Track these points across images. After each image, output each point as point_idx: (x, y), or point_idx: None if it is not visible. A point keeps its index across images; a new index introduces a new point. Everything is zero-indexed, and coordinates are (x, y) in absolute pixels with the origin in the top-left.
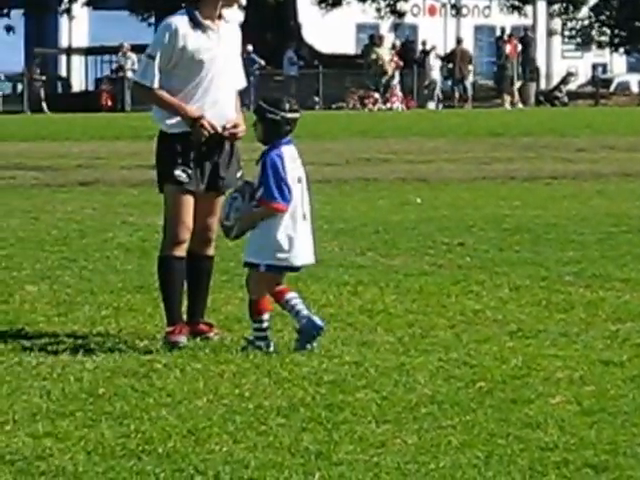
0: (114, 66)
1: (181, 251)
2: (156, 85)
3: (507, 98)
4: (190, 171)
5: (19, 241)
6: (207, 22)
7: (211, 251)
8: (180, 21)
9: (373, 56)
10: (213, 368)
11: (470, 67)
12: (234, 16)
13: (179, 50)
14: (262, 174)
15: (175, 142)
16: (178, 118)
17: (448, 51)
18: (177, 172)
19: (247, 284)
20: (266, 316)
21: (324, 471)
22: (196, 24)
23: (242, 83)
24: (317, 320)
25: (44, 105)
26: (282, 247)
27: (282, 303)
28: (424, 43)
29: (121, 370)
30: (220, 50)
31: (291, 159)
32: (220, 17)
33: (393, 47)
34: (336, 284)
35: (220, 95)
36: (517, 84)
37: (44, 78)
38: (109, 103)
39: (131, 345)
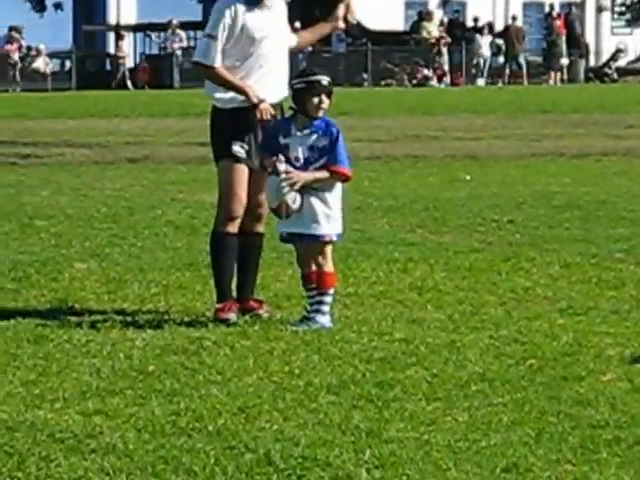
0: (162, 43)
1: (234, 227)
2: (218, 64)
3: (554, 75)
4: (246, 146)
5: (68, 218)
6: None
7: (262, 228)
8: None
9: (423, 32)
10: (263, 345)
11: (524, 44)
12: None
13: (238, 29)
14: (331, 142)
15: (231, 117)
16: (232, 93)
17: (498, 28)
18: (235, 147)
19: (311, 257)
20: (332, 291)
21: (374, 449)
22: (251, 1)
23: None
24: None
25: (129, 82)
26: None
27: (312, 285)
28: (475, 20)
29: (171, 347)
30: (273, 26)
31: None
32: None
33: (441, 23)
34: (386, 261)
35: (274, 72)
36: (565, 61)
37: (125, 54)
38: (145, 78)
39: (180, 322)
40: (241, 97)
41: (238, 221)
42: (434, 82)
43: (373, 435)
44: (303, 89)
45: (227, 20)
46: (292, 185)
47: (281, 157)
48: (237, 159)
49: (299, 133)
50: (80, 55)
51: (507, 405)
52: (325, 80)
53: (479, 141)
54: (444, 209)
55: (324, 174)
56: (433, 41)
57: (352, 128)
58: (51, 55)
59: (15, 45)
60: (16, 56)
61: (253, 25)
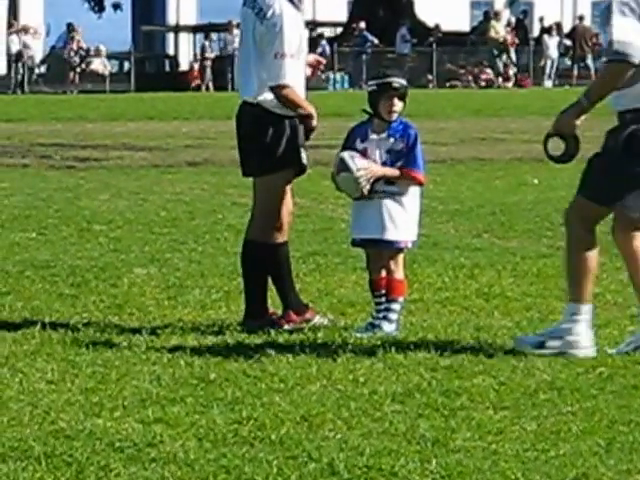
0: (205, 41)
1: (285, 236)
2: (292, 83)
3: None
4: (307, 152)
5: (127, 223)
6: (298, 1)
7: (284, 237)
8: (287, 6)
9: (491, 32)
10: (327, 353)
11: (591, 45)
12: None
13: (297, 38)
14: (408, 145)
15: (296, 124)
16: None
17: (566, 28)
18: (304, 155)
19: (382, 263)
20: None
21: (441, 458)
22: (294, 4)
23: None
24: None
25: (210, 85)
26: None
27: (380, 292)
28: (541, 19)
29: (232, 355)
30: (305, 31)
31: None
32: None
33: (508, 24)
34: (452, 267)
35: (303, 81)
36: None
37: (213, 55)
38: (196, 82)
39: (242, 329)
40: None
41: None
42: (499, 83)
43: (439, 444)
44: (375, 91)
45: (293, 33)
46: (368, 180)
47: (352, 153)
48: (303, 168)
49: (376, 137)
50: (139, 56)
51: (576, 414)
52: (397, 82)
53: None
54: (511, 213)
55: (396, 172)
56: (501, 40)
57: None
58: (109, 56)
59: (74, 46)
60: (76, 57)
61: (301, 31)
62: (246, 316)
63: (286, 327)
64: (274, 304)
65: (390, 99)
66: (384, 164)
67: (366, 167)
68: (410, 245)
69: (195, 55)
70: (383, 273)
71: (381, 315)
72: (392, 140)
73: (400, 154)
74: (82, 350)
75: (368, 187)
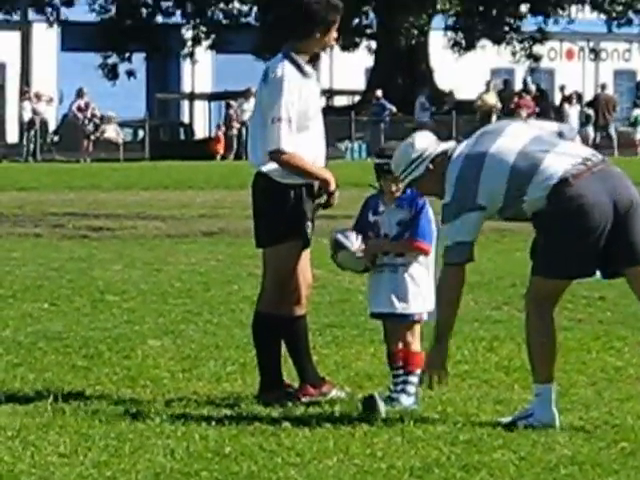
0: (230, 110)
1: (303, 309)
2: (289, 149)
3: None
4: (312, 225)
5: (141, 294)
6: (307, 68)
7: (302, 310)
8: (290, 71)
9: (478, 102)
10: (343, 426)
11: (614, 114)
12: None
13: (298, 103)
14: (414, 215)
15: (301, 195)
16: None
17: (587, 96)
18: (308, 227)
19: (398, 335)
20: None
21: None
22: (302, 71)
23: None
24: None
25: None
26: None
27: (398, 364)
28: (562, 88)
29: (248, 428)
30: (317, 98)
31: None
32: (312, 60)
33: (527, 91)
34: (471, 339)
35: (322, 145)
36: None
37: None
38: (221, 151)
39: (258, 402)
40: None
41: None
42: None
43: None
44: (376, 169)
45: (289, 97)
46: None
47: (346, 232)
48: (307, 240)
49: (386, 209)
50: (153, 124)
51: None
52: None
53: None
54: None
55: (400, 246)
56: (486, 109)
57: (435, 200)
58: (123, 124)
59: (87, 113)
60: (89, 125)
61: (307, 97)
62: (261, 389)
63: (303, 400)
64: (291, 376)
65: (388, 182)
66: (394, 237)
67: (360, 245)
68: (425, 317)
69: (218, 123)
70: (400, 345)
71: (399, 388)
72: (401, 211)
73: (407, 225)
74: (95, 423)
75: (370, 259)
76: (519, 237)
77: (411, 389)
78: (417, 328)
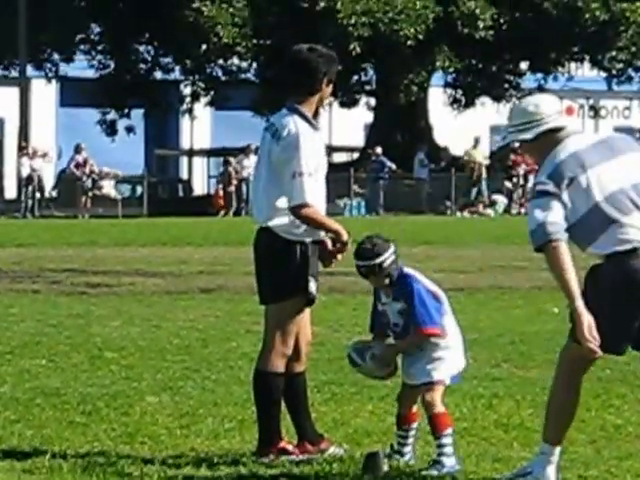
0: (229, 167)
1: (302, 365)
2: (312, 202)
3: None
4: (317, 282)
5: (139, 350)
6: (314, 122)
7: (302, 367)
8: (303, 126)
9: (465, 157)
10: None
11: None
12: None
13: (315, 157)
14: (409, 304)
15: (307, 252)
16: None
17: None
18: (312, 284)
19: (414, 399)
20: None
21: None
22: (311, 125)
23: None
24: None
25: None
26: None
27: (407, 426)
28: None
29: None
30: (324, 152)
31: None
32: (313, 116)
33: (514, 151)
34: (470, 397)
35: (324, 199)
36: None
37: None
38: (222, 204)
39: (256, 459)
40: (316, 230)
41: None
42: (479, 210)
43: None
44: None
45: (309, 152)
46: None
47: (358, 345)
48: (312, 298)
49: (386, 299)
50: (152, 180)
51: None
52: (361, 263)
53: None
54: (531, 343)
55: (412, 341)
56: (476, 168)
57: (435, 258)
58: (122, 180)
59: (86, 169)
60: (88, 182)
61: (318, 151)
62: (260, 446)
63: (301, 458)
64: (289, 433)
65: (371, 281)
66: (403, 327)
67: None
68: (448, 382)
69: (218, 179)
70: (414, 409)
71: (439, 452)
72: (398, 301)
73: (407, 314)
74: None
75: (391, 365)
76: (518, 294)
77: (449, 450)
78: (440, 390)
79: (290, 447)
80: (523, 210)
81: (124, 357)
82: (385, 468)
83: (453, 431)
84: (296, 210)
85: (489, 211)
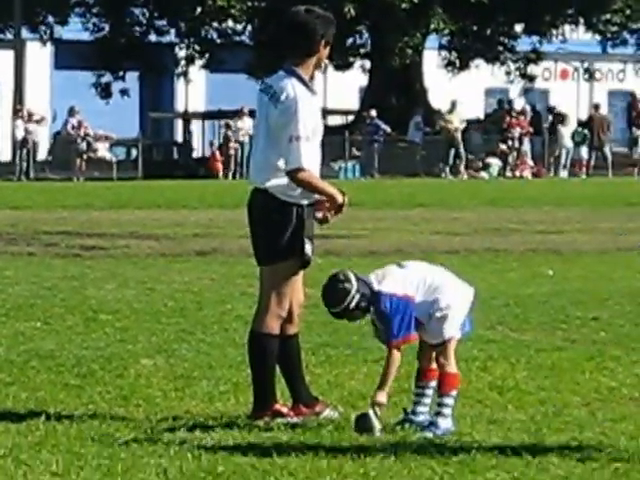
0: (228, 131)
1: (295, 328)
2: (307, 166)
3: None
4: (313, 245)
5: (134, 313)
6: (311, 85)
7: (295, 329)
8: (301, 89)
9: (441, 122)
10: (337, 446)
11: (609, 134)
12: None
13: (312, 121)
14: (380, 318)
15: (303, 214)
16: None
17: (582, 116)
18: (308, 247)
19: (431, 354)
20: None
21: None
22: (308, 88)
23: None
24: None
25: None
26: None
27: (424, 383)
28: (551, 109)
29: (240, 447)
30: (320, 114)
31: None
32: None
33: (523, 113)
34: (464, 359)
35: (319, 163)
36: None
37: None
38: (220, 169)
39: (251, 422)
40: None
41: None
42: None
43: None
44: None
45: (307, 115)
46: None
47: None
48: (307, 260)
49: (371, 316)
50: (147, 143)
51: None
52: (328, 309)
53: (562, 235)
54: (525, 305)
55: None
56: (452, 132)
57: (430, 220)
58: (117, 143)
59: (80, 132)
60: (83, 144)
61: (316, 113)
62: (255, 408)
63: (295, 420)
64: (284, 396)
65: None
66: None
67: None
68: (458, 335)
69: (211, 141)
70: (433, 364)
71: (436, 411)
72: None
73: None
74: (87, 442)
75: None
76: (513, 257)
77: (447, 411)
78: (450, 347)
79: (285, 409)
80: (518, 173)
81: (119, 320)
82: (377, 426)
83: (457, 394)
84: (292, 174)
85: (483, 174)
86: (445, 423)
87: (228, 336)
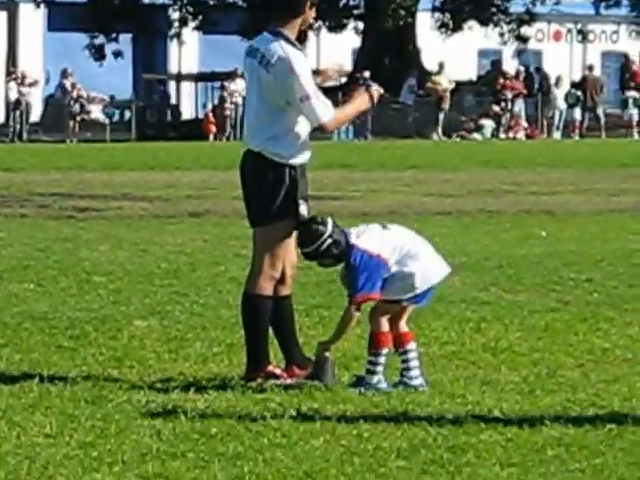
0: (224, 92)
1: (288, 289)
2: (328, 117)
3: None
4: (308, 205)
5: (127, 274)
6: (299, 45)
7: (288, 290)
8: (290, 49)
9: (429, 84)
10: (330, 407)
11: (602, 95)
12: None
13: (310, 77)
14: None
15: (296, 175)
16: (300, 149)
17: (575, 78)
18: (302, 207)
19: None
20: (385, 351)
21: None
22: (296, 47)
23: None
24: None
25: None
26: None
27: (403, 349)
28: (538, 70)
29: (234, 409)
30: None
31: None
32: (300, 40)
33: (517, 75)
34: (458, 321)
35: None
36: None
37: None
38: (213, 130)
39: (244, 383)
40: (306, 152)
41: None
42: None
43: None
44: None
45: (307, 71)
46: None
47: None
48: (302, 221)
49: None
50: (140, 105)
51: (585, 471)
52: (301, 250)
53: (555, 196)
54: (519, 267)
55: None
56: (437, 91)
57: (423, 182)
58: (110, 105)
59: (74, 94)
60: (76, 106)
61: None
62: (248, 369)
63: (289, 382)
64: (277, 358)
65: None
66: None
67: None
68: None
69: (205, 103)
70: (402, 328)
71: (367, 368)
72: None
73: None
74: (81, 404)
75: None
76: (506, 218)
77: (379, 369)
78: (391, 309)
79: (278, 371)
80: (511, 134)
81: (112, 281)
82: (331, 374)
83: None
84: (320, 131)
85: (476, 135)
86: (375, 380)
87: (221, 298)
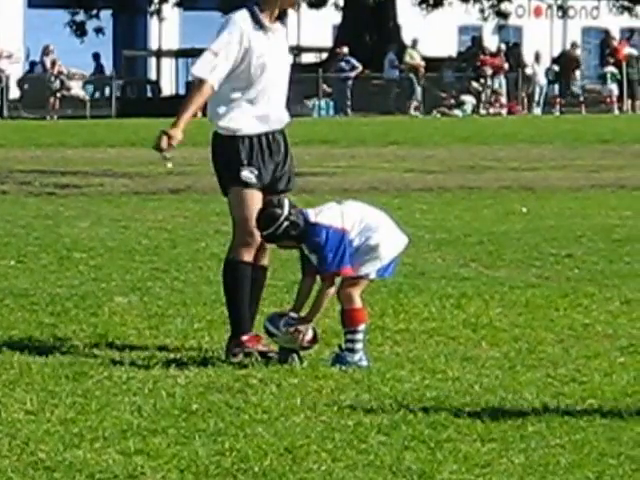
0: None
1: (250, 255)
2: (211, 81)
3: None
4: (256, 171)
5: (108, 251)
6: (267, 22)
7: (266, 261)
8: (244, 19)
9: (406, 58)
10: (311, 383)
11: (577, 72)
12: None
13: (243, 51)
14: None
15: (239, 144)
16: (242, 120)
17: (555, 54)
18: (244, 173)
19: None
20: (362, 327)
21: None
22: (258, 23)
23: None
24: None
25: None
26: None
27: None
28: (516, 45)
29: (215, 385)
30: (278, 53)
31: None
32: (278, 19)
33: (498, 50)
34: (438, 296)
35: (278, 98)
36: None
37: None
38: None
39: (225, 359)
40: (251, 125)
41: (254, 249)
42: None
43: (425, 477)
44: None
45: (234, 38)
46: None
47: (272, 315)
48: (247, 184)
49: (306, 251)
50: (120, 81)
51: (565, 447)
52: (260, 233)
53: (536, 172)
54: (499, 242)
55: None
56: (415, 68)
57: (404, 158)
58: (90, 81)
59: (54, 70)
60: (56, 83)
61: (258, 48)
62: (232, 335)
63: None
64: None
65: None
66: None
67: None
68: (374, 275)
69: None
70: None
71: (346, 347)
72: (312, 253)
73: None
74: (62, 380)
75: (305, 337)
76: (486, 194)
77: (358, 346)
78: (361, 285)
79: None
80: (492, 110)
81: (93, 258)
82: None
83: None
84: (192, 82)
85: (457, 111)
86: (357, 358)
87: (202, 274)
